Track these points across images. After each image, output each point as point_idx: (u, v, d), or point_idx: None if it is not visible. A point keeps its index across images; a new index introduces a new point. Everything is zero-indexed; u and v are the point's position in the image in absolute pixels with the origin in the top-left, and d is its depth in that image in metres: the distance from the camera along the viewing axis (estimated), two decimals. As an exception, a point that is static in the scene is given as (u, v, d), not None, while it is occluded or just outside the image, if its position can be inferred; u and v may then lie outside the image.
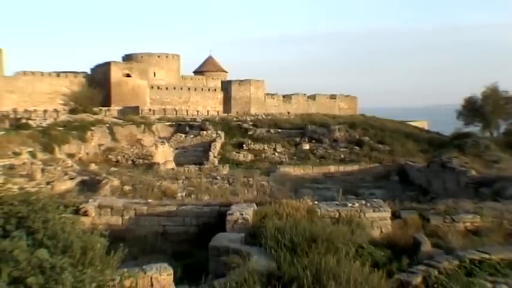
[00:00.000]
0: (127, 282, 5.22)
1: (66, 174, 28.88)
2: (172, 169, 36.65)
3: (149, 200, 19.23)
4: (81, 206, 16.91)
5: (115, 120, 46.53)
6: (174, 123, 49.62)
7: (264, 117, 55.13)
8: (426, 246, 13.33)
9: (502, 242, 14.34)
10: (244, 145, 45.93)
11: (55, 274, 4.36)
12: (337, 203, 17.41)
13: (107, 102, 57.28)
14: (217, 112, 60.25)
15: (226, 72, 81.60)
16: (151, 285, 6.96)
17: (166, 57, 71.00)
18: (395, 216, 16.15)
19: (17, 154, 29.12)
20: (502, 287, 10.99)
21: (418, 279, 10.72)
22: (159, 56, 69.96)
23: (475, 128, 49.59)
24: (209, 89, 68.04)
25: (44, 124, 38.79)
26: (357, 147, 45.75)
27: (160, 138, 45.33)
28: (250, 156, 44.13)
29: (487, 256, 12.23)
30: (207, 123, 49.08)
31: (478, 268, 11.74)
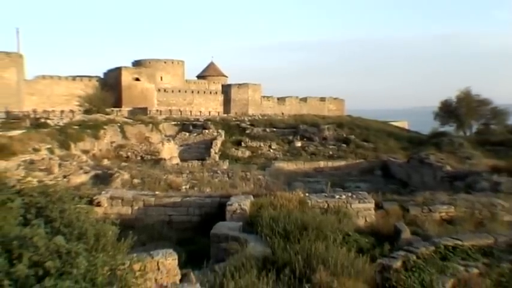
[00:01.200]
0: (136, 266, 5.21)
1: (81, 168, 28.83)
2: (177, 164, 36.66)
3: (156, 192, 19.22)
4: (94, 197, 16.91)
5: (125, 119, 46.46)
6: (179, 122, 49.54)
7: (260, 117, 55.09)
8: (406, 233, 13.36)
9: (473, 229, 14.39)
10: (242, 143, 45.91)
11: (71, 258, 4.36)
12: (326, 195, 17.44)
13: (118, 103, 57.20)
14: (218, 113, 60.22)
15: (227, 76, 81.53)
16: (158, 268, 6.96)
17: (172, 63, 70.94)
18: (378, 206, 16.19)
19: (36, 150, 29.06)
20: (473, 270, 11.04)
21: (398, 264, 10.74)
22: (165, 62, 69.89)
23: (450, 128, 49.74)
24: (211, 92, 68.04)
25: (61, 123, 38.70)
26: (344, 145, 45.73)
27: (166, 136, 45.26)
28: (247, 153, 44.12)
29: (459, 242, 12.26)
30: (209, 122, 49.02)
31: (451, 253, 11.78)
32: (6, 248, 4.66)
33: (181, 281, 7.28)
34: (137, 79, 61.79)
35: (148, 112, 51.37)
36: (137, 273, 5.08)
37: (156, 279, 6.70)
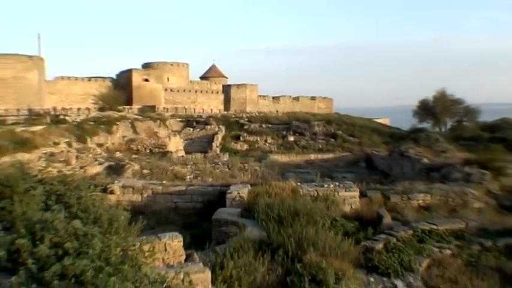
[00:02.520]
0: (145, 247, 5.23)
1: (96, 160, 28.81)
2: (182, 156, 36.63)
3: (163, 181, 19.23)
4: (108, 186, 16.92)
5: (136, 116, 46.37)
6: (183, 119, 49.50)
7: (257, 114, 55.10)
8: (387, 219, 13.41)
9: (447, 215, 14.47)
10: (240, 137, 45.91)
11: (87, 240, 4.37)
12: (316, 184, 17.47)
13: (129, 102, 57.06)
14: (219, 110, 60.16)
15: (227, 77, 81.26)
16: (165, 249, 6.97)
17: (178, 65, 70.67)
18: (362, 195, 16.23)
19: (56, 144, 29.02)
20: (446, 251, 11.10)
21: (380, 245, 10.79)
22: (171, 65, 69.62)
23: (427, 125, 49.73)
24: (212, 92, 67.89)
25: (78, 119, 38.65)
26: (332, 140, 45.75)
27: (172, 131, 45.22)
28: (245, 146, 44.14)
29: (435, 227, 12.34)
30: (211, 119, 49.00)
31: (427, 236, 11.85)
32: (29, 231, 4.67)
33: (186, 260, 7.30)
34: (146, 80, 61.62)
35: (156, 109, 51.26)
36: (146, 254, 5.10)
37: (163, 259, 6.72)
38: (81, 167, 25.80)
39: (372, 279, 9.37)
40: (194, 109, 56.29)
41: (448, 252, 11.07)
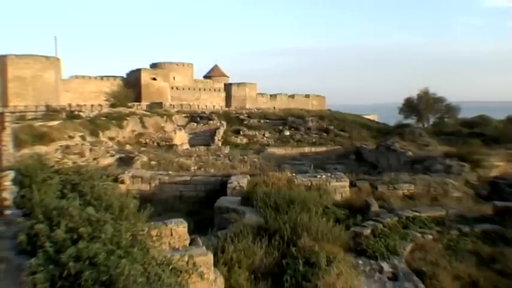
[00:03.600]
0: (153, 232, 5.24)
1: (107, 152, 28.78)
2: (187, 149, 36.62)
3: (170, 172, 19.23)
4: (119, 176, 16.91)
5: (144, 112, 46.26)
6: (188, 115, 49.35)
7: (255, 110, 54.91)
8: (374, 207, 13.45)
9: (429, 203, 14.54)
10: (240, 131, 45.82)
11: (99, 226, 4.38)
12: (310, 174, 17.52)
13: (138, 99, 56.86)
14: (221, 107, 59.99)
15: (228, 77, 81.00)
16: (171, 234, 6.98)
17: (183, 65, 70.43)
18: (352, 185, 16.25)
19: (71, 137, 29.00)
20: (428, 236, 11.15)
21: (368, 231, 10.84)
22: (177, 65, 69.37)
23: (411, 121, 49.72)
24: (215, 90, 67.69)
25: (91, 115, 38.56)
26: (324, 134, 45.70)
27: (178, 126, 45.13)
28: (245, 140, 44.08)
29: (418, 214, 12.39)
30: (213, 115, 48.88)
31: (411, 223, 11.90)
32: (47, 217, 4.68)
33: (190, 244, 7.31)
34: (154, 79, 61.45)
35: (163, 106, 51.14)
36: (154, 238, 5.11)
37: (169, 243, 6.73)
38: (94, 159, 25.79)
39: (360, 262, 9.42)
40: (198, 106, 56.14)
41: (430, 237, 11.12)
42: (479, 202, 15.41)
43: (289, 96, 71.87)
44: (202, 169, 25.65)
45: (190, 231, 7.90)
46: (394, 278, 8.75)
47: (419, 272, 8.98)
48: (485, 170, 19.96)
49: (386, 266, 9.21)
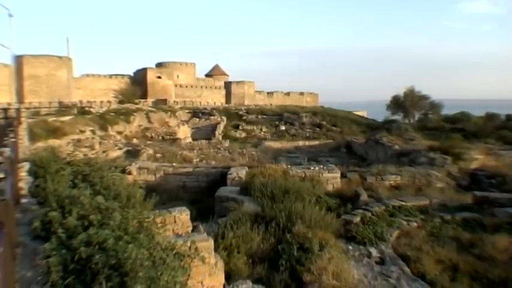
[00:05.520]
0: (158, 219, 5.24)
1: (116, 145, 28.75)
2: (190, 142, 36.63)
3: (174, 164, 19.25)
4: (126, 168, 16.92)
5: (150, 108, 46.18)
6: (191, 110, 49.26)
7: (253, 107, 54.87)
8: (364, 196, 13.49)
9: (414, 193, 14.57)
10: (239, 126, 45.81)
11: (108, 213, 4.38)
12: (304, 166, 17.53)
13: (144, 96, 56.67)
14: (221, 103, 59.91)
15: (228, 75, 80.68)
16: (175, 221, 6.99)
17: (186, 65, 70.10)
18: (343, 176, 16.30)
19: (82, 131, 28.93)
20: (413, 224, 11.19)
21: (357, 219, 10.87)
22: (181, 64, 69.04)
23: (398, 117, 49.75)
24: (216, 87, 67.50)
25: (100, 111, 38.47)
26: (317, 129, 45.72)
27: (181, 121, 45.08)
28: (243, 134, 44.08)
29: (404, 203, 12.42)
30: (214, 111, 48.81)
31: (397, 211, 11.94)
32: (60, 205, 4.68)
33: (192, 231, 7.33)
34: (159, 77, 61.23)
35: (167, 102, 51.02)
36: (159, 225, 5.11)
37: (173, 230, 6.75)
38: (104, 152, 25.76)
39: (350, 247, 9.45)
40: (200, 102, 56.03)
41: (415, 224, 11.16)
42: (460, 192, 15.47)
43: (285, 93, 71.74)
44: (204, 161, 25.66)
45: (193, 219, 7.92)
46: (381, 262, 8.79)
47: (404, 257, 9.02)
48: (466, 162, 20.03)
49: (374, 251, 9.25)
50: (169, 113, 45.69)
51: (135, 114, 40.99)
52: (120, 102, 47.79)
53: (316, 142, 41.35)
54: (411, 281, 7.85)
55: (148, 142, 33.10)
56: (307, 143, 41.27)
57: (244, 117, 48.51)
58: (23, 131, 18.85)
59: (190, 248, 4.96)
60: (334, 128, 45.93)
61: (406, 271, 8.27)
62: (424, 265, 8.50)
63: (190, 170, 17.70)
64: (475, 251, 9.27)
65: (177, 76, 65.78)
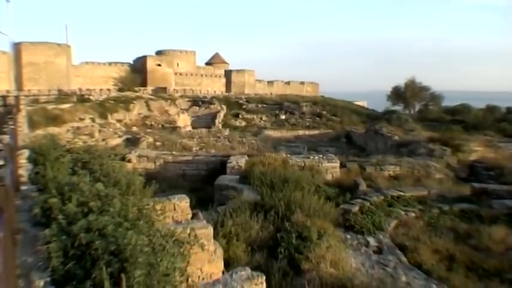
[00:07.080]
0: (158, 207, 5.26)
1: (115, 133, 28.72)
2: (190, 131, 36.56)
3: (173, 152, 19.25)
4: (126, 155, 16.92)
5: (150, 96, 46.03)
6: (191, 99, 49.10)
7: (254, 96, 54.72)
8: (363, 186, 13.53)
9: (412, 184, 14.63)
10: (239, 115, 45.73)
11: (108, 200, 4.40)
12: (303, 156, 17.54)
13: (144, 84, 56.41)
14: (221, 92, 59.68)
15: (228, 64, 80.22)
16: (175, 209, 7.01)
17: (186, 53, 69.66)
18: (342, 165, 16.31)
19: (81, 119, 28.89)
20: (411, 214, 11.25)
21: (356, 208, 10.91)
22: (181, 52, 68.59)
23: (398, 107, 49.68)
24: (216, 76, 67.19)
25: (100, 99, 38.35)
26: (317, 118, 45.66)
27: (181, 109, 44.97)
28: (243, 123, 44.01)
29: (402, 193, 12.47)
30: (214, 99, 48.67)
31: (396, 201, 11.99)
32: (60, 192, 4.69)
33: (192, 218, 7.36)
34: (159, 65, 60.90)
35: (167, 91, 50.83)
36: (158, 212, 5.13)
37: (173, 217, 6.77)
38: (103, 139, 25.75)
39: (348, 236, 9.51)
40: (200, 91, 55.82)
41: (413, 214, 11.22)
42: (459, 183, 15.53)
43: (285, 82, 71.42)
44: (203, 150, 25.66)
45: (192, 207, 7.95)
46: (379, 251, 8.85)
47: (402, 246, 9.08)
48: (465, 154, 20.06)
49: (372, 241, 9.31)
50: (169, 101, 45.57)
51: (134, 102, 40.87)
52: (120, 90, 47.62)
53: (316, 132, 41.30)
54: (408, 270, 7.92)
55: (148, 130, 33.06)
56: (307, 132, 41.23)
57: (244, 106, 48.39)
58: (22, 119, 18.83)
59: (189, 235, 4.99)
60: (334, 117, 45.84)
61: (403, 260, 8.34)
62: (421, 255, 8.57)
63: (190, 158, 17.70)
64: (472, 242, 9.34)
65: (177, 64, 65.44)
